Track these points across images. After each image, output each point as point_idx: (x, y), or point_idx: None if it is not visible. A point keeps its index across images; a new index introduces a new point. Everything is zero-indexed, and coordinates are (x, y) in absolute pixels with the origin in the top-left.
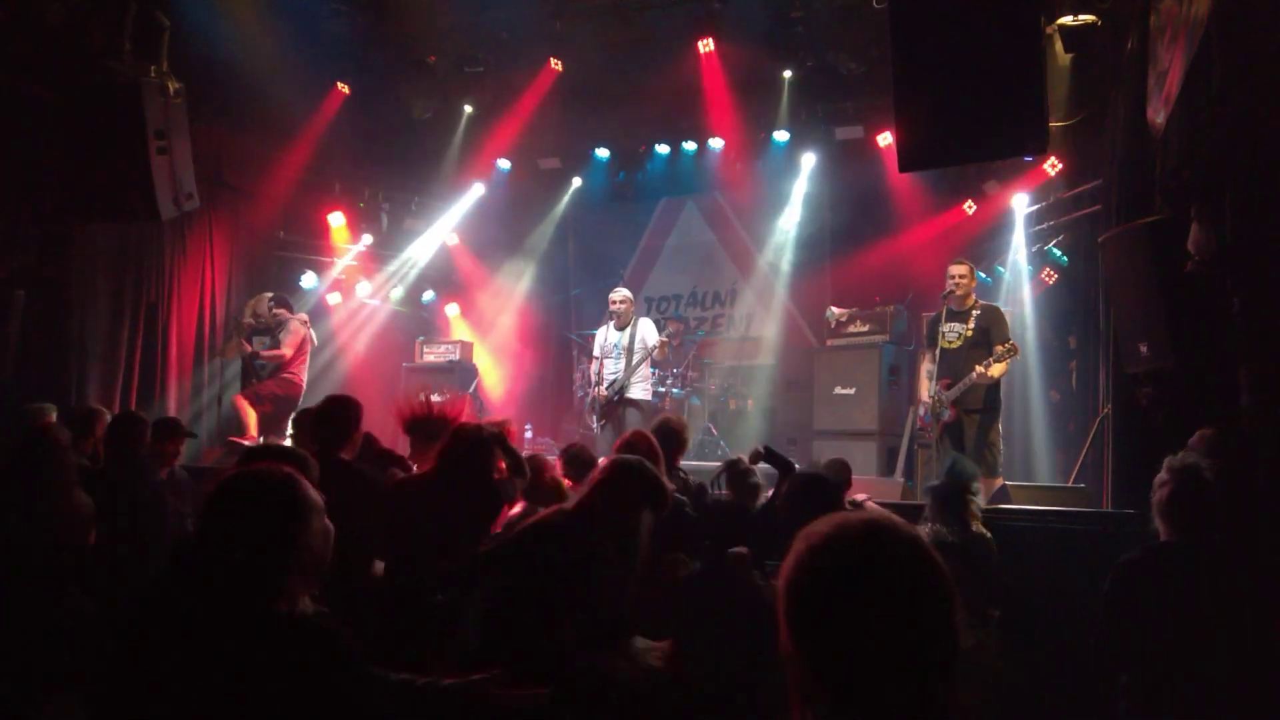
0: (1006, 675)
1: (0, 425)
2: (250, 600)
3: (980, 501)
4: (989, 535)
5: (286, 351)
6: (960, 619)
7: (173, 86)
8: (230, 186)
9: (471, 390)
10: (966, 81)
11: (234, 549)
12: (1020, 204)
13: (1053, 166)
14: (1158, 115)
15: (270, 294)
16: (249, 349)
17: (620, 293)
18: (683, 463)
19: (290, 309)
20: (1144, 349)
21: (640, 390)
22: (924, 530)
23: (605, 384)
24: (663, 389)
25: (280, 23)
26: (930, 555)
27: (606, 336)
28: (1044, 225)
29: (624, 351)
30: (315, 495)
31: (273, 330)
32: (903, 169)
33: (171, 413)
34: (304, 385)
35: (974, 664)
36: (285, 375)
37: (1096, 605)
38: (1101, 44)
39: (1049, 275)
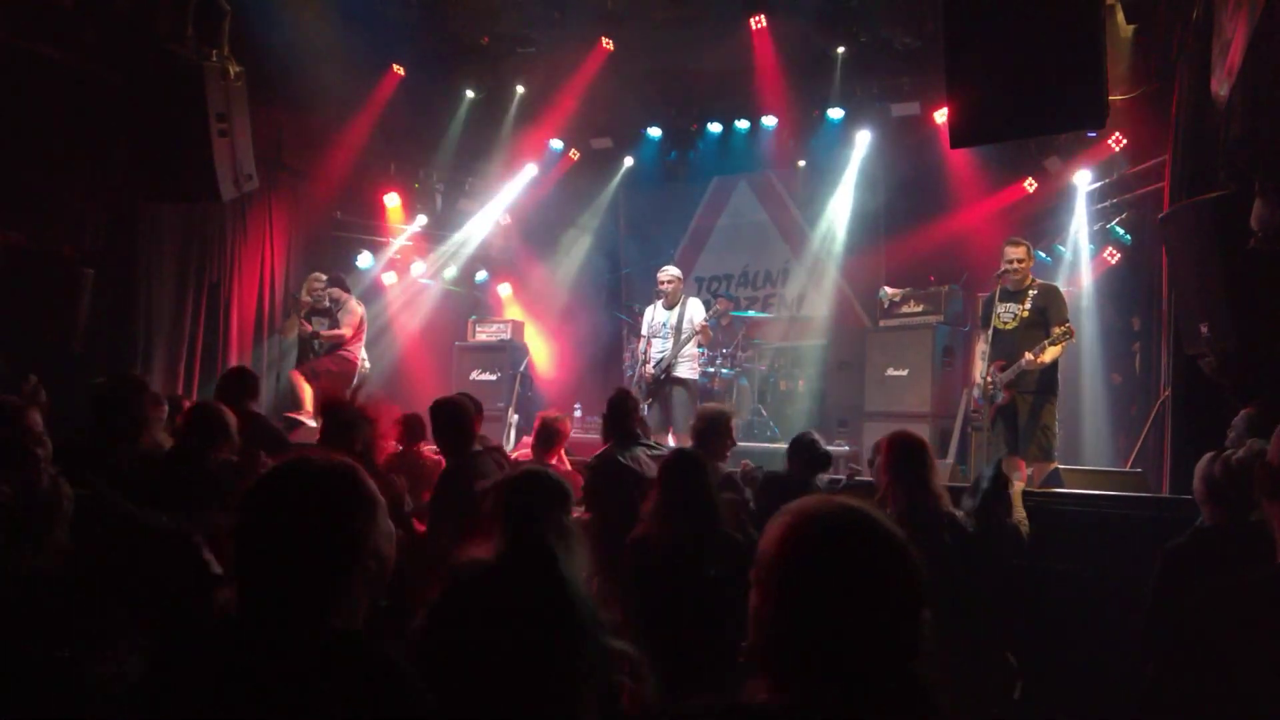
0: (1055, 661)
1: (70, 398)
2: (306, 615)
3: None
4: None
5: (346, 331)
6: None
7: (233, 70)
8: (289, 168)
9: (522, 369)
10: (1022, 54)
11: (291, 553)
12: (1082, 181)
13: (1116, 142)
14: (1221, 87)
15: (322, 275)
16: (308, 328)
17: (668, 271)
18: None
19: (348, 289)
20: (1204, 329)
21: (687, 369)
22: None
23: (652, 363)
24: (712, 369)
25: (336, 6)
26: (903, 545)
27: (654, 315)
28: (1107, 203)
29: (671, 331)
30: (376, 489)
31: (331, 310)
32: (954, 145)
33: None
34: (359, 363)
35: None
36: (342, 353)
37: (1146, 591)
38: (1167, 15)
39: (1111, 254)
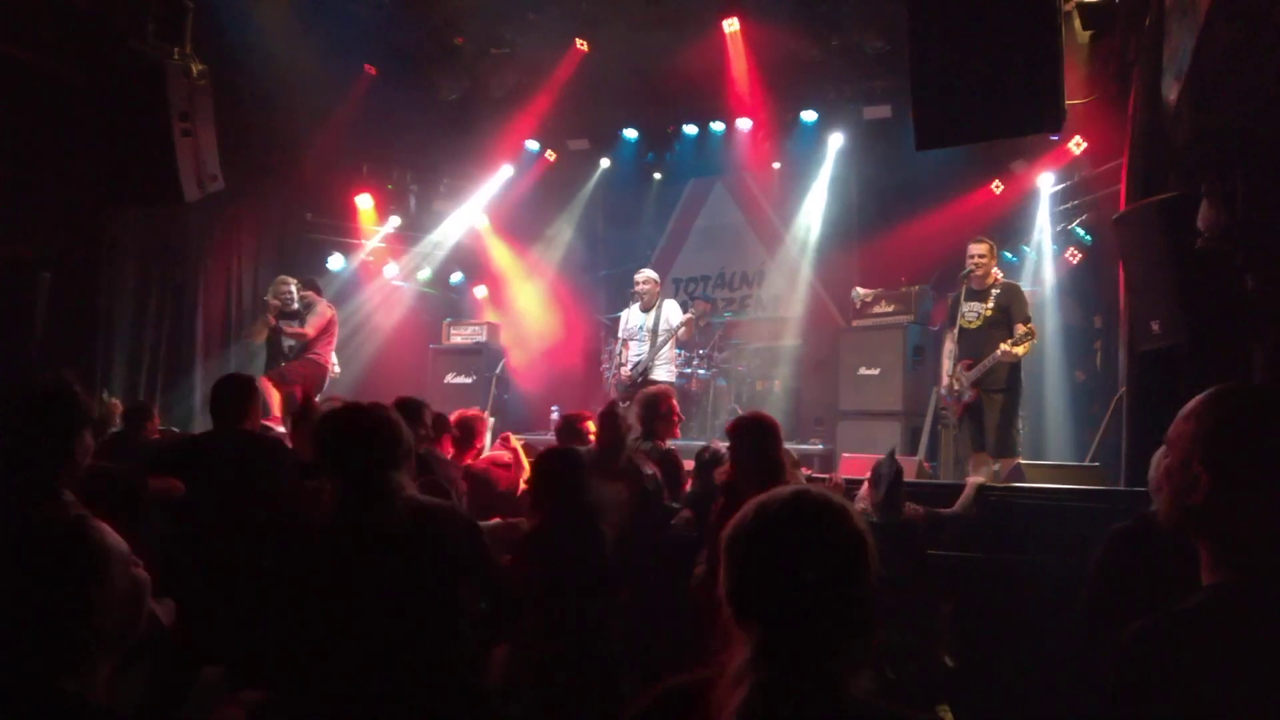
0: (1014, 650)
1: None
2: (29, 677)
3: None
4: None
5: (308, 331)
6: (867, 593)
7: (196, 69)
8: (257, 169)
9: (499, 372)
10: (982, 58)
11: (12, 615)
12: (1046, 183)
13: (1078, 145)
14: (1170, 92)
15: (290, 278)
16: (273, 322)
17: (644, 274)
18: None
19: (319, 292)
20: (1156, 326)
21: (664, 372)
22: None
23: (629, 365)
24: (689, 370)
25: (308, 5)
26: (840, 527)
27: (630, 318)
28: (1069, 204)
29: (648, 334)
30: (118, 542)
31: (300, 313)
32: (919, 147)
33: (197, 394)
34: (330, 366)
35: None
36: (310, 356)
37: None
38: (1123, 21)
39: (1073, 255)
